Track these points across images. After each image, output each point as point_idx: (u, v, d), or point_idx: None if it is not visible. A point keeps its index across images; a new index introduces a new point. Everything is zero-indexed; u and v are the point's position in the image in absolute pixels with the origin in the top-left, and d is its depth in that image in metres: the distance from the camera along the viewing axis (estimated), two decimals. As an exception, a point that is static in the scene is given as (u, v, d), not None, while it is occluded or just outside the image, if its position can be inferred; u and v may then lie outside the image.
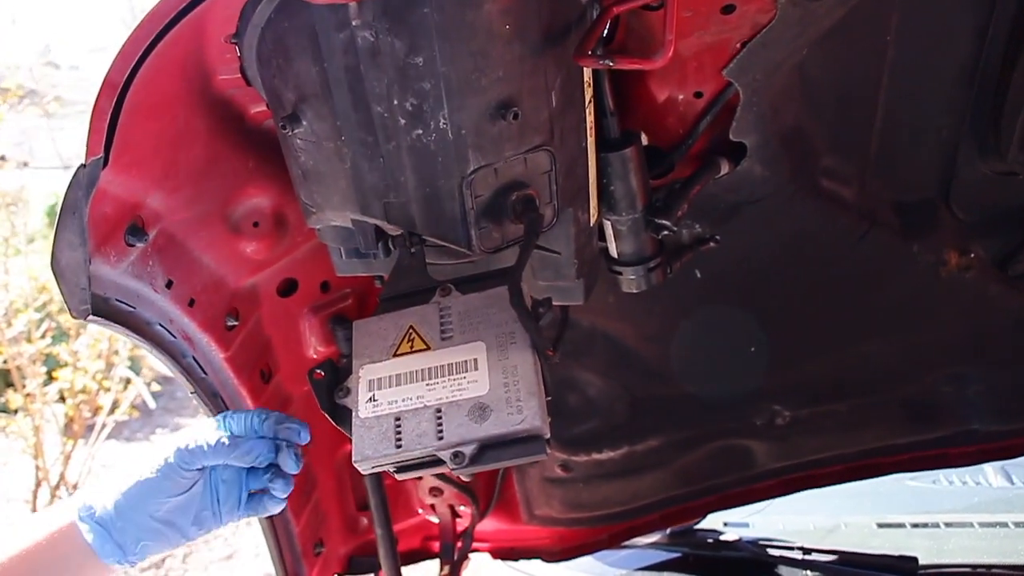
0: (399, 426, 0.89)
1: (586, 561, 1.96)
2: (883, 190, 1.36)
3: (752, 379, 1.58)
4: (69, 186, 0.91)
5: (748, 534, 1.98)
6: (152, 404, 4.86)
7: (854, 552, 1.79)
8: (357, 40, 0.85)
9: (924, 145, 1.33)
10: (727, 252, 1.35)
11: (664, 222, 1.18)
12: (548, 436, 0.87)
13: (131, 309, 1.10)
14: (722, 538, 1.91)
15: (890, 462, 1.74)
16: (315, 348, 1.47)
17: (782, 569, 1.80)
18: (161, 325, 1.17)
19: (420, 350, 0.94)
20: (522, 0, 0.87)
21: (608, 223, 1.19)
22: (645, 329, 1.54)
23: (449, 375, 0.91)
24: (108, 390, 4.39)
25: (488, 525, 1.92)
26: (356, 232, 1.02)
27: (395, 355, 0.94)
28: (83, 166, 0.91)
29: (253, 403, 1.37)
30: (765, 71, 1.11)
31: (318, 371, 0.97)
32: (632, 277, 1.24)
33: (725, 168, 1.22)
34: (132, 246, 1.05)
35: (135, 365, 4.81)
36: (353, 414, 0.91)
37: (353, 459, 0.88)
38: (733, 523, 2.07)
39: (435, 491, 1.80)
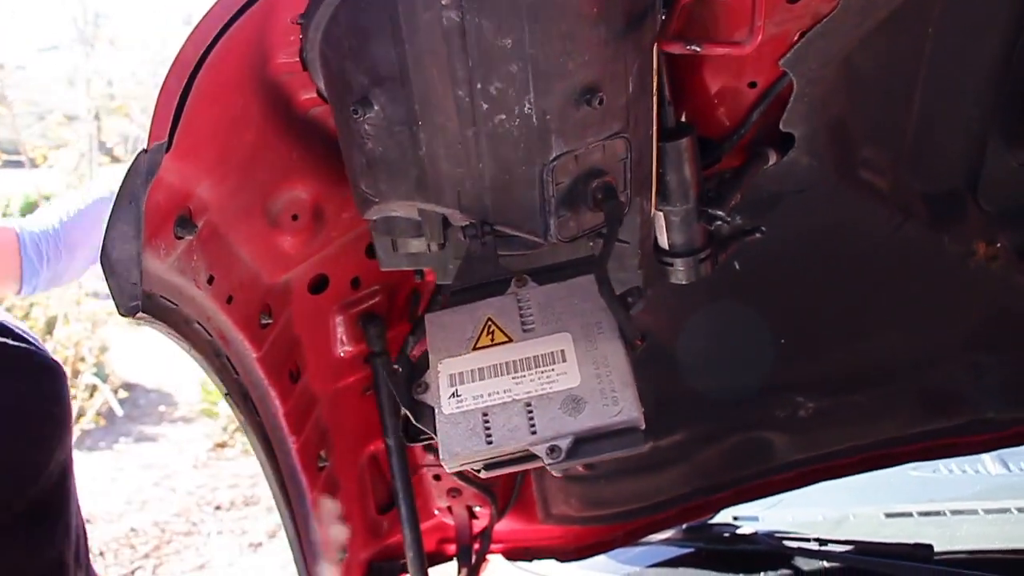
0: (487, 421, 0.86)
1: (599, 560, 1.94)
2: (914, 181, 1.37)
3: (778, 371, 1.59)
4: (127, 174, 0.87)
5: (759, 528, 1.99)
6: (119, 411, 4.71)
7: (870, 542, 1.81)
8: (443, 20, 0.82)
9: (955, 137, 1.35)
10: (765, 243, 1.35)
11: (717, 212, 1.17)
12: (643, 427, 0.85)
13: (173, 306, 1.05)
14: (738, 531, 1.91)
15: (905, 451, 1.76)
16: (344, 347, 1.43)
17: (798, 561, 1.80)
18: (199, 323, 1.12)
19: (501, 343, 0.91)
20: (606, -18, 0.86)
21: (660, 213, 1.18)
22: (676, 322, 1.54)
23: (536, 367, 0.88)
24: (74, 398, 4.25)
25: (502, 525, 1.89)
26: (423, 223, 0.99)
27: (475, 348, 0.91)
28: (144, 152, 0.87)
29: (282, 405, 1.33)
30: (821, 62, 1.11)
31: (395, 366, 0.93)
32: (682, 268, 1.22)
33: (773, 158, 1.22)
34: (180, 239, 1.00)
35: (100, 372, 4.66)
36: (436, 411, 0.88)
37: (441, 457, 0.85)
38: (744, 517, 2.07)
39: (453, 492, 1.77)
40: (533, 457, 0.85)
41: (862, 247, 1.39)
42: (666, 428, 1.69)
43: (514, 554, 1.92)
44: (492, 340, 0.91)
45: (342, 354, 1.44)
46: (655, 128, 1.04)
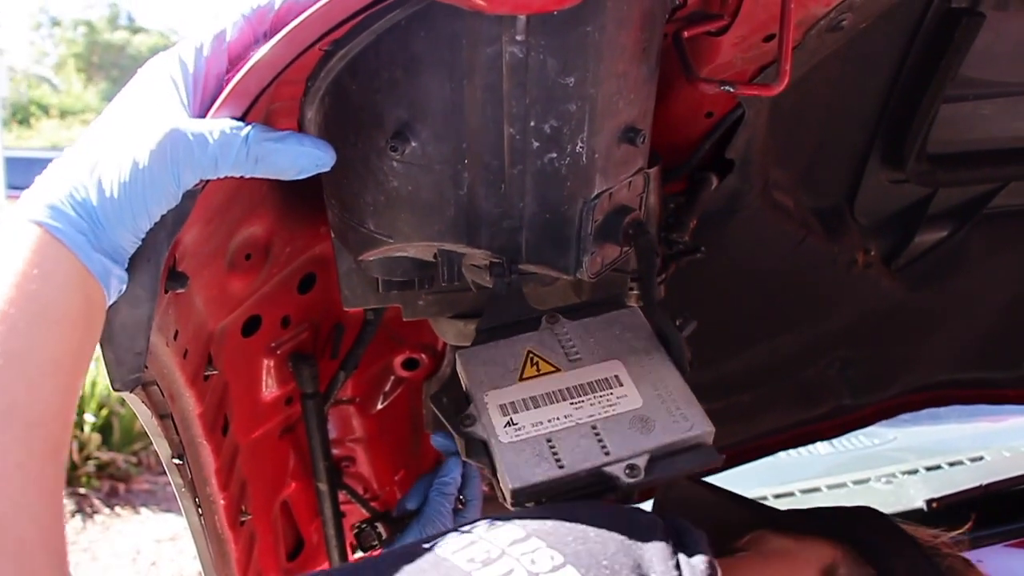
0: (553, 447, 0.81)
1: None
2: (807, 199, 1.51)
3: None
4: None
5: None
6: None
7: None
8: (505, 56, 0.78)
9: (842, 158, 1.49)
10: (695, 264, 1.41)
11: (676, 236, 1.22)
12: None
13: (145, 369, 0.91)
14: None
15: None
16: (270, 390, 1.32)
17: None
18: (156, 384, 0.98)
19: (548, 372, 0.87)
20: (650, 19, 0.86)
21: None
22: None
23: (594, 392, 0.85)
24: None
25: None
26: (440, 263, 0.94)
27: (521, 379, 0.87)
28: None
29: (215, 460, 1.20)
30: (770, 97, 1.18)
31: (442, 399, 0.86)
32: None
33: (714, 183, 1.28)
34: (166, 292, 0.87)
35: None
36: (492, 441, 0.83)
37: (511, 486, 0.80)
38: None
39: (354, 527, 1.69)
40: (604, 481, 0.82)
41: (771, 262, 1.50)
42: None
43: None
44: (538, 371, 0.88)
45: (267, 398, 1.33)
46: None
